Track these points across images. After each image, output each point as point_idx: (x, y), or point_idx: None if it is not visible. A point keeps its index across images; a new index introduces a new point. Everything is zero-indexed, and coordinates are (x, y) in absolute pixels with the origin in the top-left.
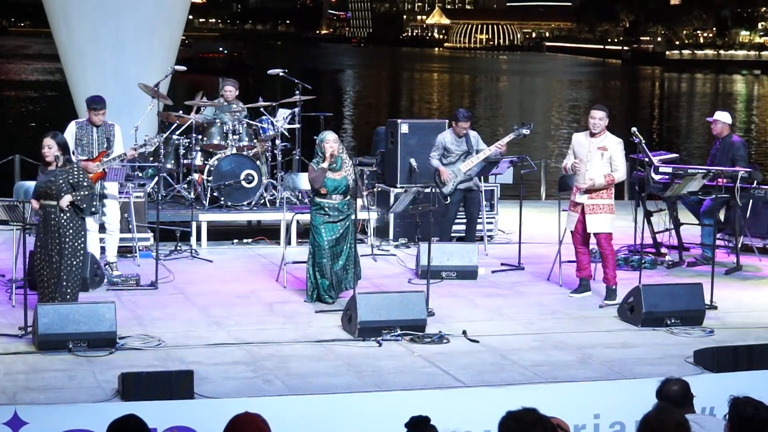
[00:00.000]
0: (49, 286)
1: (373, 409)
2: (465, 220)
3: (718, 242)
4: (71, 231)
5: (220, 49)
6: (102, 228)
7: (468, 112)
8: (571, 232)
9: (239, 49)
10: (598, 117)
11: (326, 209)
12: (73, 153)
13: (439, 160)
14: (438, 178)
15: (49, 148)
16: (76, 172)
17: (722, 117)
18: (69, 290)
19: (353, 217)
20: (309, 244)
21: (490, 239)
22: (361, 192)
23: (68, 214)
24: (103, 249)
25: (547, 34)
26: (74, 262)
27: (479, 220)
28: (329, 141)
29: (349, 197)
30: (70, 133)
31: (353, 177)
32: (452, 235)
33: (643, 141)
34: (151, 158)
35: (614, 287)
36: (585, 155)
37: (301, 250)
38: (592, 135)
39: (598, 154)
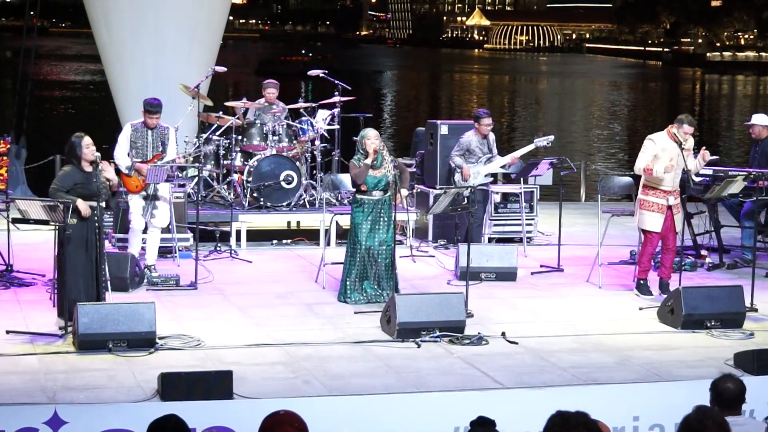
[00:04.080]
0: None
1: (412, 410)
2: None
3: (758, 245)
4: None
5: (303, 51)
6: (144, 228)
7: (488, 110)
8: (650, 232)
9: (324, 52)
10: (692, 132)
11: (366, 205)
12: (128, 155)
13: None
14: (460, 176)
15: (93, 146)
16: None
17: (760, 120)
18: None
19: (392, 217)
20: (347, 244)
21: (529, 241)
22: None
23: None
24: (143, 249)
25: (587, 36)
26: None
27: (518, 221)
28: (371, 137)
29: (389, 193)
30: (126, 135)
31: (393, 173)
32: (490, 237)
33: (684, 143)
34: (191, 159)
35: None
36: (675, 159)
37: (340, 251)
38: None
39: (683, 155)
